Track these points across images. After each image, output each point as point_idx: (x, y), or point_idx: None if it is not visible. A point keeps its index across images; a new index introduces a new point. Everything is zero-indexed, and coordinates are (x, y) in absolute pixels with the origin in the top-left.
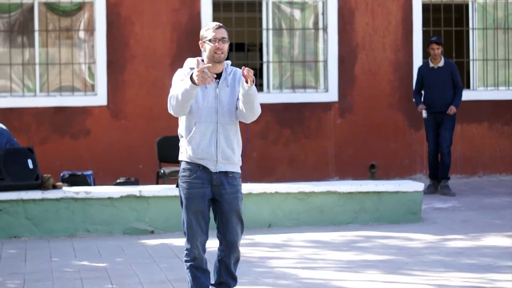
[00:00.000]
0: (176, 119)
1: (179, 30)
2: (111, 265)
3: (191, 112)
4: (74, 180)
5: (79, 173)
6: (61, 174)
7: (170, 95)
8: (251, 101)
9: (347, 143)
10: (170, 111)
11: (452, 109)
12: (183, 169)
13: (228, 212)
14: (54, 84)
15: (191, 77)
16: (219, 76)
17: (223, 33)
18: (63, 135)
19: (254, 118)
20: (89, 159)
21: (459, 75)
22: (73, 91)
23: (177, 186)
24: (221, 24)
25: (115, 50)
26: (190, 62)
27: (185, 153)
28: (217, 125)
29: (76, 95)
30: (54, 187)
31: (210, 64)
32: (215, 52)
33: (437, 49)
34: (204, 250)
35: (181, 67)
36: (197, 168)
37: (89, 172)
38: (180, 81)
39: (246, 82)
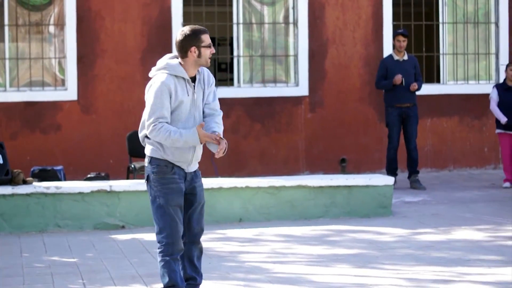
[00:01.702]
0: None
1: (150, 24)
2: (81, 260)
3: (171, 118)
4: (45, 175)
5: (50, 168)
6: (31, 169)
7: (159, 123)
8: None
9: (317, 137)
10: (154, 137)
11: (414, 86)
12: (158, 165)
13: (199, 204)
14: (24, 79)
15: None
16: (193, 79)
17: None
18: (33, 130)
19: None
20: (60, 154)
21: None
22: (43, 86)
23: (147, 181)
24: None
25: (85, 45)
26: (174, 68)
27: (160, 152)
28: None
29: (46, 90)
30: (24, 182)
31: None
32: (209, 58)
33: (403, 41)
34: None
35: (152, 61)
36: (172, 165)
37: (60, 167)
38: (162, 99)
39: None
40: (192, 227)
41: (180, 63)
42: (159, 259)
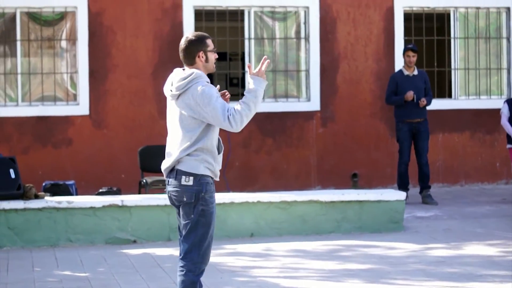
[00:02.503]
0: (157, 129)
1: (161, 39)
2: (93, 275)
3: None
4: (56, 190)
5: (61, 182)
6: (43, 184)
7: (234, 112)
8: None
9: (329, 152)
10: (239, 123)
11: (423, 101)
12: (207, 183)
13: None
14: (36, 93)
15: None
16: None
17: None
18: (45, 145)
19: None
20: (71, 169)
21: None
22: (55, 101)
23: (195, 200)
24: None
25: (97, 60)
26: (203, 76)
27: (212, 168)
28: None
29: (58, 105)
30: (36, 196)
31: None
32: (214, 63)
33: (413, 57)
34: None
35: (163, 76)
36: (213, 181)
37: (71, 182)
38: (218, 96)
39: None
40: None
41: None
42: (184, 277)
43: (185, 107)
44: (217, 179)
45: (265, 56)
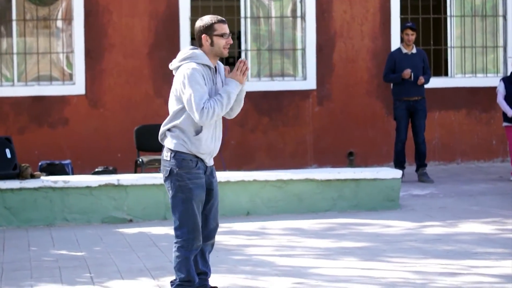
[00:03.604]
0: (153, 109)
1: (157, 19)
2: (89, 254)
3: None
4: (52, 170)
5: (57, 162)
6: (39, 164)
7: (210, 106)
8: (242, 96)
9: (325, 131)
10: (210, 118)
11: (421, 79)
12: (183, 159)
13: (216, 199)
14: (32, 73)
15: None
16: (215, 70)
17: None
18: (41, 125)
19: (238, 113)
20: (67, 148)
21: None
22: (51, 81)
23: (169, 175)
24: (223, 19)
25: (93, 39)
26: (201, 57)
27: (187, 146)
28: (215, 121)
29: (54, 85)
30: (32, 176)
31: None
32: (225, 48)
33: (411, 35)
34: None
35: (159, 55)
36: (197, 159)
37: (67, 161)
38: (200, 83)
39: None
40: (209, 222)
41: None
42: (176, 253)
43: (175, 84)
44: (203, 157)
45: (241, 59)
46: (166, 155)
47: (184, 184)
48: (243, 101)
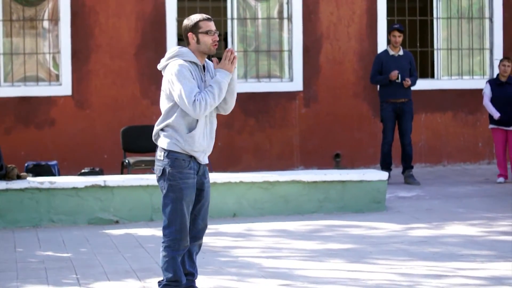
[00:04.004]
0: (139, 110)
1: (144, 19)
2: (75, 255)
3: None
4: (39, 170)
5: (44, 163)
6: (26, 165)
7: (201, 98)
8: (233, 86)
9: (312, 133)
10: (203, 111)
11: (407, 82)
12: (176, 159)
13: (206, 200)
14: (18, 74)
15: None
16: (203, 68)
17: (214, 25)
18: (27, 125)
19: (233, 106)
20: (54, 149)
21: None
22: (38, 81)
23: (162, 175)
24: (209, 16)
25: (79, 40)
26: (187, 54)
27: (180, 144)
28: (206, 118)
29: (40, 85)
30: (19, 177)
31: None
32: (213, 45)
33: (398, 37)
34: None
35: (146, 56)
36: (189, 159)
37: (54, 162)
38: (189, 78)
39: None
40: (198, 223)
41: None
42: (164, 253)
43: (164, 83)
44: (197, 155)
45: (228, 48)
46: (159, 154)
47: (175, 183)
48: (235, 92)
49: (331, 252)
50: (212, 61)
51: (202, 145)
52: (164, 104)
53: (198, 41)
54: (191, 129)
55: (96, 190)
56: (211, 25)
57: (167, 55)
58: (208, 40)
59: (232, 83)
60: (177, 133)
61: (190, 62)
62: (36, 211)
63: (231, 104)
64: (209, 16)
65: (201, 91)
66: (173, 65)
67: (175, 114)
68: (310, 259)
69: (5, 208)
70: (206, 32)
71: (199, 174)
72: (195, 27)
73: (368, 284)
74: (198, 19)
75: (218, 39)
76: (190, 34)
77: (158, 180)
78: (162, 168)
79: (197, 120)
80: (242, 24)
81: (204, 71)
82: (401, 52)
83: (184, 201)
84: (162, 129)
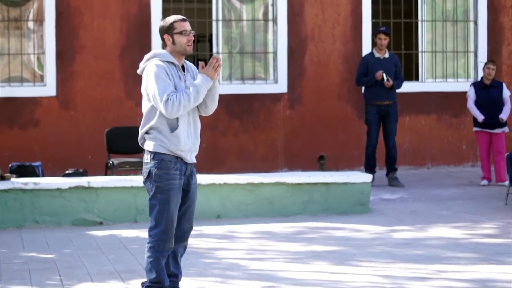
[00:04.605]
0: (124, 111)
1: (129, 21)
2: (59, 257)
3: None
4: (23, 171)
5: (28, 164)
6: (10, 165)
7: (175, 98)
8: (215, 92)
9: (296, 135)
10: (176, 111)
11: (388, 83)
12: (162, 160)
13: (192, 201)
14: (2, 74)
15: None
16: (182, 68)
17: (189, 25)
18: (11, 126)
19: (214, 109)
20: (38, 150)
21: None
22: (22, 82)
23: (148, 176)
24: (184, 17)
25: (64, 41)
26: (163, 55)
27: (165, 145)
28: (189, 117)
29: (25, 86)
30: (2, 178)
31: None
32: (188, 45)
33: (384, 39)
34: None
35: (130, 57)
36: (176, 160)
37: (38, 163)
38: (164, 78)
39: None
40: (183, 224)
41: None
42: (148, 253)
43: (143, 85)
44: (183, 155)
45: (214, 56)
46: (146, 157)
47: (162, 185)
48: (217, 98)
49: (315, 254)
50: (199, 65)
51: (187, 144)
52: (145, 106)
53: (173, 42)
54: (173, 128)
55: (80, 191)
56: (186, 25)
57: (145, 58)
58: (183, 40)
59: (214, 89)
60: (161, 134)
61: (168, 62)
62: (20, 212)
63: (212, 108)
64: (184, 17)
65: (178, 91)
66: (150, 66)
67: (157, 115)
68: (294, 261)
69: None
70: (181, 33)
71: (186, 175)
72: (170, 28)
73: (352, 286)
74: (172, 20)
75: (193, 38)
76: (166, 36)
77: (145, 182)
78: (148, 170)
79: (177, 119)
80: (227, 26)
81: (184, 71)
82: (386, 55)
83: (171, 202)
84: (146, 132)
